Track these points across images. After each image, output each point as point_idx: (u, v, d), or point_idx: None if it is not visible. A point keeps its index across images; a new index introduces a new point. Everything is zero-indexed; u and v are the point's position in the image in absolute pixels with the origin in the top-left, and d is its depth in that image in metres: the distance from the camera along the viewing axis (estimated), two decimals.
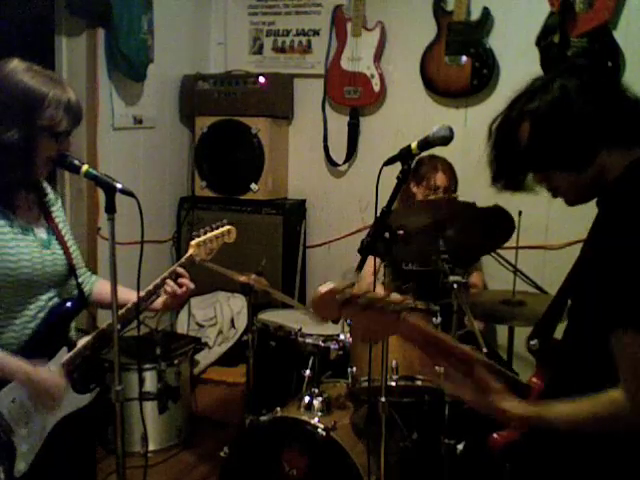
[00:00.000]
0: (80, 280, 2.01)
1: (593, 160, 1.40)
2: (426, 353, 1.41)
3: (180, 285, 2.03)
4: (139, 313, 1.97)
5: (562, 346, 1.49)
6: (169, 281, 2.02)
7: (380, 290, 2.34)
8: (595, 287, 1.33)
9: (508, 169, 1.51)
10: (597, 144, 1.40)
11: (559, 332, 1.54)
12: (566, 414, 1.34)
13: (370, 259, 2.00)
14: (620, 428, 1.30)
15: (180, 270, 2.05)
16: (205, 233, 2.15)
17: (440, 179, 3.32)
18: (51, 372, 1.85)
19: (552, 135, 1.41)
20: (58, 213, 1.99)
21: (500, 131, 1.51)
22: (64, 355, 1.92)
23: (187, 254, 2.12)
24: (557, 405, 1.37)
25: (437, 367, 2.41)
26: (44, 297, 1.89)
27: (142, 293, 1.97)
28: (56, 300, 1.92)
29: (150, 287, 2.02)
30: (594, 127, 1.39)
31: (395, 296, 1.28)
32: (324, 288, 1.25)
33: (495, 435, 1.53)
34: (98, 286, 2.11)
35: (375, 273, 3.18)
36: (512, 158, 1.49)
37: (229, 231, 2.21)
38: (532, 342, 1.52)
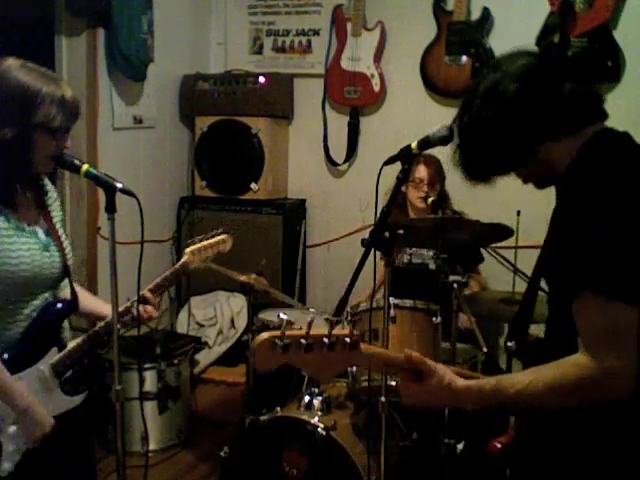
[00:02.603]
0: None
1: (534, 155, 1.42)
2: (387, 373, 1.41)
3: (144, 311, 2.02)
4: (139, 313, 1.97)
5: (545, 337, 1.49)
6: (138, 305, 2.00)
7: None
8: (555, 263, 1.36)
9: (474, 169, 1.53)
10: (533, 140, 1.41)
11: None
12: (525, 382, 1.31)
13: (370, 261, 2.01)
14: (588, 395, 1.28)
15: (147, 295, 2.04)
16: (200, 241, 2.16)
17: (421, 171, 3.33)
18: (44, 410, 1.84)
19: (482, 143, 1.44)
20: (56, 213, 1.99)
21: (459, 135, 1.54)
22: (54, 355, 1.91)
23: (181, 261, 2.13)
24: (516, 375, 1.37)
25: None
26: (40, 297, 1.88)
27: (121, 308, 1.95)
28: (50, 300, 1.92)
29: (121, 309, 1.97)
30: (526, 125, 1.40)
31: (341, 330, 1.24)
32: (262, 336, 1.19)
33: (495, 442, 1.53)
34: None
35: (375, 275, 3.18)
36: (472, 163, 1.51)
37: (224, 240, 2.22)
38: (509, 344, 1.51)
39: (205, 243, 2.16)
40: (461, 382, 1.36)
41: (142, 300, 2.02)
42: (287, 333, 1.20)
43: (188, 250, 2.13)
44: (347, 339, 1.23)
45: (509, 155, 1.44)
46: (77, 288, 2.04)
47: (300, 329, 1.24)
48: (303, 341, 1.20)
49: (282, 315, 1.24)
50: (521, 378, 1.34)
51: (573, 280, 1.30)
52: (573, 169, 1.40)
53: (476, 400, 1.38)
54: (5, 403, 1.79)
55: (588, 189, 1.33)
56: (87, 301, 2.06)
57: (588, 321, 1.29)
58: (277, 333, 1.20)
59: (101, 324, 1.95)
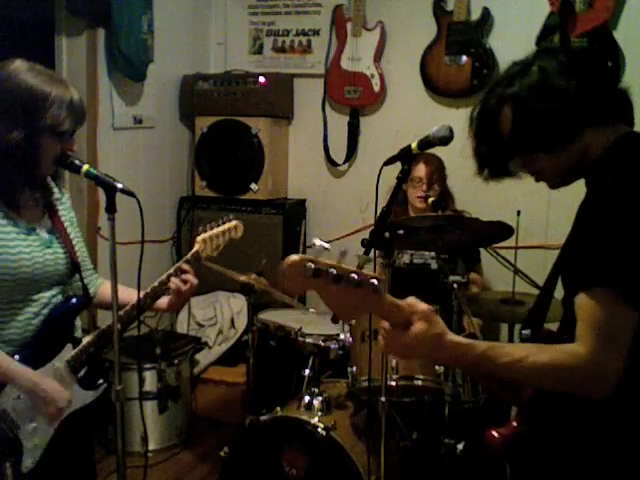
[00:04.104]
0: (86, 281, 2.01)
1: (577, 138, 1.42)
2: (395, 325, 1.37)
3: (184, 282, 2.01)
4: (139, 313, 1.98)
5: (558, 333, 1.49)
6: (173, 278, 2.00)
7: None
8: (575, 254, 1.36)
9: (492, 156, 1.52)
10: (580, 123, 1.42)
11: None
12: (519, 356, 1.32)
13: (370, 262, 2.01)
14: (573, 384, 1.30)
15: (185, 267, 2.03)
16: (211, 228, 2.14)
17: (421, 170, 3.32)
18: (55, 383, 1.86)
19: (534, 117, 1.43)
20: (64, 212, 1.99)
21: (481, 118, 1.53)
22: (69, 352, 1.92)
23: (193, 250, 2.10)
24: (510, 345, 1.38)
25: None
26: (47, 294, 1.89)
27: (147, 290, 1.97)
28: (59, 297, 1.92)
29: (155, 284, 2.01)
30: (576, 106, 1.41)
31: (370, 272, 1.22)
32: (293, 257, 1.18)
33: (493, 432, 1.53)
34: (102, 288, 2.10)
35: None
36: (494, 144, 1.50)
37: (236, 227, 2.20)
38: (524, 332, 1.52)
39: (216, 231, 2.13)
40: (452, 336, 1.34)
41: (179, 272, 2.01)
42: (318, 259, 1.19)
43: (199, 238, 2.10)
44: (374, 281, 1.21)
45: (561, 130, 1.43)
46: (106, 283, 2.04)
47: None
48: (333, 271, 1.19)
49: (317, 241, 1.22)
50: (514, 350, 1.34)
51: (586, 274, 1.31)
52: (601, 166, 1.40)
53: (462, 358, 1.36)
54: (14, 385, 1.80)
55: (614, 189, 1.33)
56: (108, 292, 2.05)
57: (592, 316, 1.29)
58: (309, 257, 1.19)
59: (111, 321, 1.95)
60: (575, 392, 1.32)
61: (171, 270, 2.02)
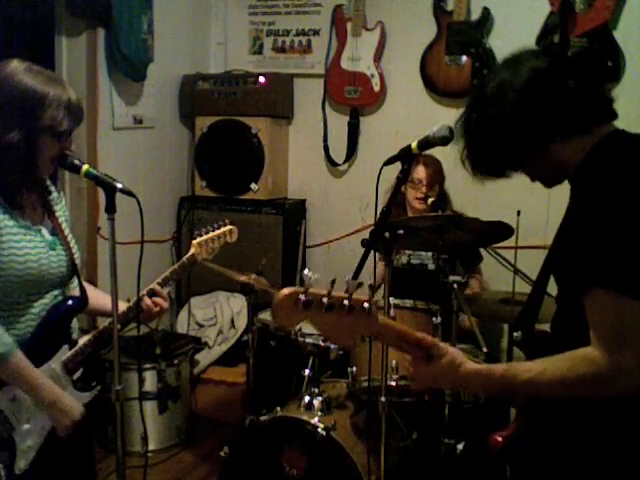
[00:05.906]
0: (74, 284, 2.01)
1: (543, 153, 1.42)
2: (398, 349, 1.41)
3: (155, 304, 2.04)
4: (139, 313, 1.98)
5: (551, 332, 1.50)
6: (146, 298, 2.02)
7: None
8: (570, 256, 1.35)
9: (477, 163, 1.53)
10: (542, 139, 1.41)
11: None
12: (537, 371, 1.33)
13: (370, 261, 2.01)
14: (595, 389, 1.30)
15: (157, 288, 2.05)
16: (207, 232, 2.17)
17: (420, 172, 3.33)
18: (71, 397, 1.88)
19: (488, 133, 1.44)
20: (61, 212, 2.00)
21: (461, 127, 1.54)
22: (65, 353, 1.93)
23: (189, 253, 2.14)
24: (527, 363, 1.38)
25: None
26: (48, 295, 1.89)
27: (124, 307, 1.99)
28: (60, 299, 1.93)
29: (131, 304, 2.02)
30: (535, 124, 1.40)
31: (361, 296, 1.24)
32: (284, 291, 1.20)
33: (497, 437, 1.53)
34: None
35: (375, 275, 3.18)
36: (474, 153, 1.51)
37: (231, 231, 2.23)
38: (515, 334, 1.53)
39: (212, 235, 2.18)
40: (472, 365, 1.38)
41: (151, 293, 2.04)
42: (310, 290, 1.20)
43: (195, 242, 2.15)
44: (366, 305, 1.23)
45: (518, 153, 1.43)
46: (86, 285, 2.06)
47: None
48: (325, 300, 1.20)
49: (308, 272, 1.25)
50: (532, 367, 1.35)
51: (584, 276, 1.31)
52: (585, 169, 1.40)
53: (484, 384, 1.41)
54: (31, 397, 1.82)
55: (601, 188, 1.33)
56: (97, 298, 2.07)
57: (599, 317, 1.29)
58: (300, 289, 1.21)
59: (110, 320, 1.96)
60: (601, 395, 1.31)
61: (144, 291, 2.03)
